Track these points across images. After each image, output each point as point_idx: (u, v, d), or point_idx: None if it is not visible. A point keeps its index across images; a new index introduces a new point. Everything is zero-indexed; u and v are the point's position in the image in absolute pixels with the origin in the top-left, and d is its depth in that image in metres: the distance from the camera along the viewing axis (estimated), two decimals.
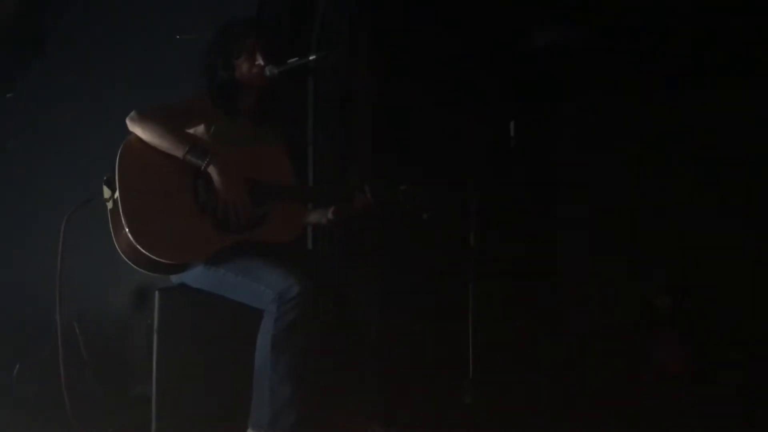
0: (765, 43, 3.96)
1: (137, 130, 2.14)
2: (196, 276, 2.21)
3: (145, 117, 2.14)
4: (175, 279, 2.27)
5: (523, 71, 4.33)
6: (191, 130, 2.28)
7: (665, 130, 4.77)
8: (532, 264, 4.40)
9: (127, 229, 2.02)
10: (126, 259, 2.10)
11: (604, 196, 4.80)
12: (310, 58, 2.36)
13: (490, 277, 2.94)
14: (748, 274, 4.25)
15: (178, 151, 2.13)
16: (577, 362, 3.52)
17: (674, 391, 3.13)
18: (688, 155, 4.66)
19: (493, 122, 3.44)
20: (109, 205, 2.10)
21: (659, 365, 3.57)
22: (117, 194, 2.06)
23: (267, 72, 2.33)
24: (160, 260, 2.06)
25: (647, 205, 4.71)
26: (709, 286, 4.22)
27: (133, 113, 2.15)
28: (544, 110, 4.97)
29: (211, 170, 2.15)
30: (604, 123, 4.95)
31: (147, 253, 2.04)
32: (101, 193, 2.11)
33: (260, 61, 2.33)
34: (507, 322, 3.54)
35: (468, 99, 3.73)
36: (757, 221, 4.38)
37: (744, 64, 4.30)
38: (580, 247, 4.92)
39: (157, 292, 2.20)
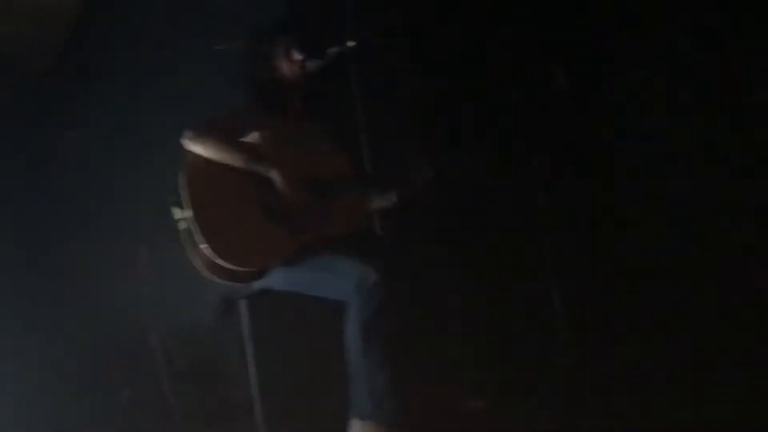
0: None
1: (196, 147, 2.18)
2: (276, 279, 2.24)
3: (201, 134, 2.18)
4: (256, 284, 2.31)
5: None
6: (245, 139, 2.31)
7: None
8: (606, 216, 4.26)
9: (205, 245, 2.07)
10: (206, 274, 2.15)
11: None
12: (348, 45, 2.34)
13: (566, 234, 2.87)
14: None
15: (239, 162, 2.16)
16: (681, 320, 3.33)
17: None
18: None
19: (538, 71, 3.34)
20: (182, 225, 2.15)
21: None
22: (189, 212, 2.11)
23: (308, 66, 2.33)
24: (240, 269, 2.10)
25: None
26: None
27: (187, 133, 2.19)
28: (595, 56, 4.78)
29: (273, 174, 2.17)
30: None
31: (227, 265, 2.08)
32: (171, 215, 2.16)
33: (298, 57, 2.33)
34: (592, 280, 3.43)
35: (514, 55, 3.62)
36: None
37: None
38: (649, 198, 4.74)
39: (243, 300, 2.25)
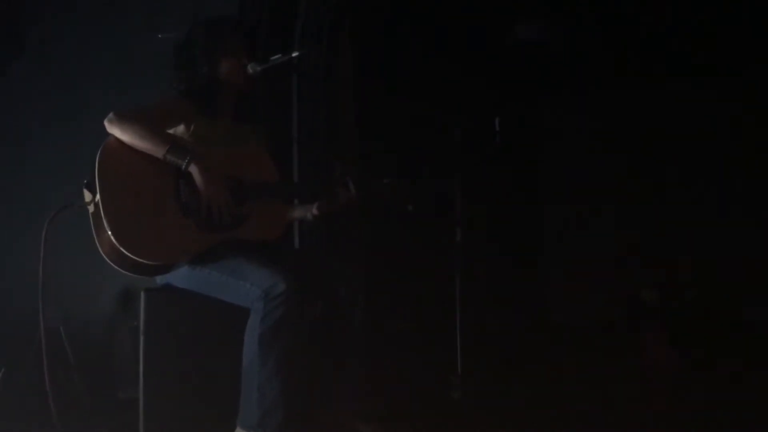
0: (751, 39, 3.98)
1: (116, 131, 2.11)
2: (181, 276, 2.19)
3: (124, 118, 2.12)
4: (160, 280, 2.25)
5: (509, 67, 4.33)
6: (171, 131, 2.26)
7: (650, 124, 4.80)
8: (518, 258, 4.41)
9: (109, 232, 2.00)
10: (110, 262, 2.08)
11: (590, 191, 4.83)
12: (293, 54, 2.35)
13: (476, 272, 2.94)
14: (738, 268, 4.28)
15: (158, 151, 2.11)
16: (565, 356, 3.52)
17: (662, 387, 3.13)
18: (675, 149, 4.68)
19: (478, 117, 3.44)
20: (91, 208, 2.07)
21: (647, 361, 3.57)
22: (98, 197, 2.03)
23: (250, 69, 2.31)
24: (144, 262, 2.04)
25: (634, 198, 4.74)
26: (699, 280, 4.24)
27: (111, 115, 2.12)
28: (530, 106, 4.98)
29: (192, 169, 2.13)
30: (589, 118, 4.97)
31: (131, 255, 2.01)
32: (82, 196, 2.09)
33: (244, 60, 2.31)
34: (494, 317, 3.53)
35: (453, 94, 3.73)
36: (746, 214, 4.41)
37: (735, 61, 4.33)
38: (566, 241, 4.94)
39: (142, 293, 2.19)
